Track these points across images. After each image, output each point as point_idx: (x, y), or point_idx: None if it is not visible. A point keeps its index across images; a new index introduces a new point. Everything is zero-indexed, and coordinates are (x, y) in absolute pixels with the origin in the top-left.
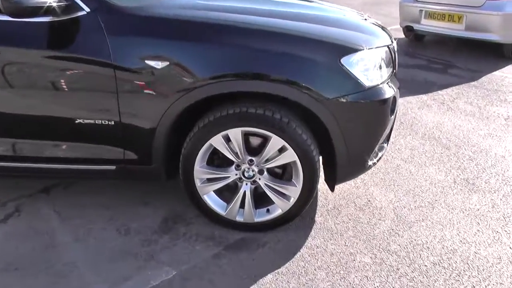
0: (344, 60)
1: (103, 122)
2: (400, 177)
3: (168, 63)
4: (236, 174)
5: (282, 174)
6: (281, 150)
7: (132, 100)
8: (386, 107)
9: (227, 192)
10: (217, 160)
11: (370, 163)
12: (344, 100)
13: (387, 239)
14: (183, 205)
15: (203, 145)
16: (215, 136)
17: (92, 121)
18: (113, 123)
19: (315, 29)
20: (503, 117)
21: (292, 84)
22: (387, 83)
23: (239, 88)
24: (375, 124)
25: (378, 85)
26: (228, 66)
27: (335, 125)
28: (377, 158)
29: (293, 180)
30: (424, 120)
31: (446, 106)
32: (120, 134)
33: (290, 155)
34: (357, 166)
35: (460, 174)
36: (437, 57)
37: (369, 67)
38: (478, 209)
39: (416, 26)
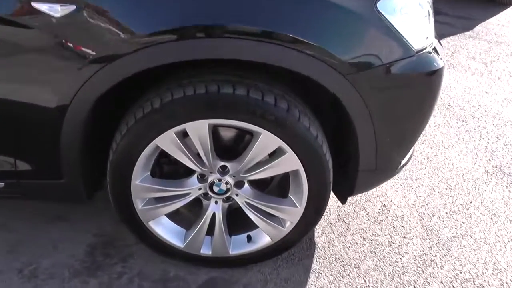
0: (381, 4)
1: None
2: (417, 167)
3: (74, 7)
4: (200, 189)
5: (269, 183)
6: (275, 153)
7: (16, 74)
8: (438, 83)
9: (186, 210)
10: (167, 167)
11: (402, 163)
12: (381, 73)
13: (423, 272)
14: (117, 221)
15: (144, 148)
16: (164, 134)
17: None
18: None
19: None
20: None
21: (298, 46)
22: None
23: (207, 53)
24: (422, 108)
25: (426, 48)
26: (189, 14)
27: (363, 111)
28: (409, 156)
29: (290, 196)
30: None
31: (446, 62)
32: (4, 133)
33: (290, 162)
34: (385, 170)
35: (490, 160)
36: None
37: (417, 17)
38: None
39: None
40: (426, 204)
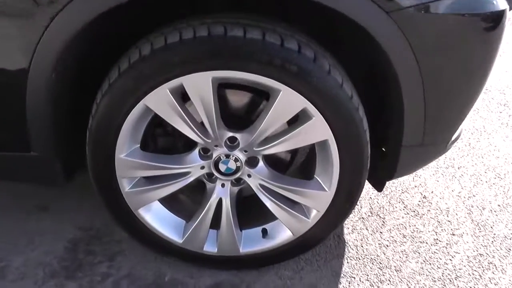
0: None
1: None
2: (458, 154)
3: None
4: (203, 167)
5: (287, 166)
6: (297, 120)
7: None
8: (501, 30)
9: (186, 198)
10: (161, 139)
11: (453, 138)
12: (435, 12)
13: (480, 277)
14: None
15: (129, 110)
16: (155, 91)
17: None
18: None
19: None
20: None
21: None
22: None
23: None
24: (481, 62)
25: None
26: None
27: (411, 63)
28: (459, 132)
29: (316, 177)
30: None
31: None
32: None
33: (317, 129)
34: (434, 145)
35: None
36: None
37: None
38: None
39: None
40: (474, 196)
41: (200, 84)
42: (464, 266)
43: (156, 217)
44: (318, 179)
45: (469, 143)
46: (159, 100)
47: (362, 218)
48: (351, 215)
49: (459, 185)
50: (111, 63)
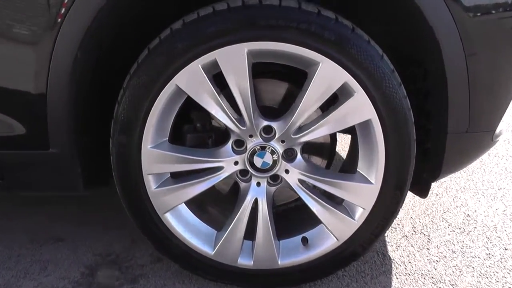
0: None
1: None
2: (496, 177)
3: None
4: (237, 163)
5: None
6: (337, 100)
7: None
8: None
9: (213, 209)
10: (190, 137)
11: (497, 130)
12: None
13: None
14: (131, 239)
15: (159, 92)
16: (186, 67)
17: None
18: None
19: None
20: None
21: None
22: None
23: None
24: None
25: None
26: None
27: (457, 45)
28: (503, 127)
29: (359, 170)
30: None
31: None
32: None
33: (360, 108)
34: (479, 136)
35: None
36: None
37: None
38: None
39: None
40: None
41: (235, 58)
42: None
43: (185, 223)
44: (362, 172)
45: (505, 167)
46: (191, 79)
47: (406, 236)
48: (393, 233)
49: (502, 204)
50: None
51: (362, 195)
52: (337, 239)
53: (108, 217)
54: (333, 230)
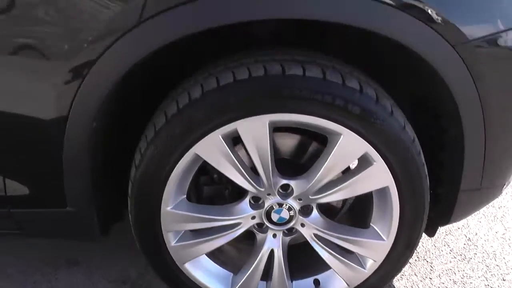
0: None
1: None
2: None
3: None
4: (254, 217)
5: (338, 210)
6: (357, 166)
7: None
8: None
9: (229, 246)
10: (207, 188)
11: (506, 181)
12: (499, 44)
13: None
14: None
15: (178, 160)
16: (206, 137)
17: None
18: None
19: None
20: None
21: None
22: None
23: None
24: None
25: None
26: None
27: (473, 101)
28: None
29: (372, 225)
30: None
31: None
32: None
33: (379, 176)
34: (492, 188)
35: None
36: None
37: None
38: None
39: None
40: None
41: (256, 129)
42: None
43: (203, 270)
44: (375, 227)
45: None
46: (211, 148)
47: (409, 263)
48: None
49: (502, 226)
50: (152, 107)
51: (375, 250)
52: (347, 285)
53: (123, 239)
54: (344, 277)
